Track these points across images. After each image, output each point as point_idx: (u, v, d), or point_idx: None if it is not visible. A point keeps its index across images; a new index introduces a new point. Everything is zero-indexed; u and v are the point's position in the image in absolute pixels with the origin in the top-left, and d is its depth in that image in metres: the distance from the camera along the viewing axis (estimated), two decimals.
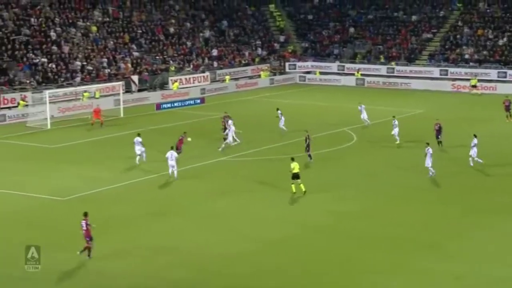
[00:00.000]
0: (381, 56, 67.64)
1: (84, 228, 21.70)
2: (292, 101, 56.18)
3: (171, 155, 31.07)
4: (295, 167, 29.00)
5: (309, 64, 69.68)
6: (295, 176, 28.93)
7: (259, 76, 66.33)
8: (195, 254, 22.66)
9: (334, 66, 68.51)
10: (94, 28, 59.73)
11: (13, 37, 52.87)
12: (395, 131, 38.46)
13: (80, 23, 59.31)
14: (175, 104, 52.64)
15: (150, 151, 34.54)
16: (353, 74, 66.45)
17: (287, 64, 69.51)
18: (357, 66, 67.38)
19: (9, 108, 47.36)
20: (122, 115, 48.39)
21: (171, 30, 65.90)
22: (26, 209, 27.13)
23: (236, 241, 23.86)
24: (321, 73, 68.03)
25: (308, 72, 69.06)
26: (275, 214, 26.84)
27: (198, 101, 55.19)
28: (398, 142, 38.33)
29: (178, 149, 32.98)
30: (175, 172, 31.08)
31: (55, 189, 29.58)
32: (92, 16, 61.07)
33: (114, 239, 23.84)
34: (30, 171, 32.95)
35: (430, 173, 31.46)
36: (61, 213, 26.68)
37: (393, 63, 66.37)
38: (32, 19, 55.95)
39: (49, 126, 44.14)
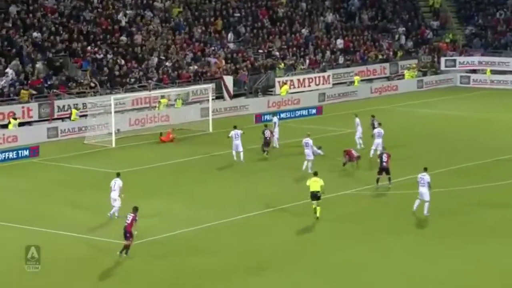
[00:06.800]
0: None
1: (128, 221, 26.68)
2: (449, 111, 55.03)
3: (115, 183, 31.62)
4: (312, 184, 30.56)
5: (475, 59, 68.17)
6: (313, 196, 30.64)
7: (402, 76, 65.54)
8: None
9: None
10: (176, 11, 61.29)
11: (71, 25, 55.03)
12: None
13: (157, 3, 61.06)
14: (282, 115, 52.81)
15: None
16: None
17: (442, 59, 68.44)
18: None
19: (62, 119, 49.05)
20: (211, 129, 49.08)
21: (280, 13, 66.51)
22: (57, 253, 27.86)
23: None
24: (493, 72, 66.40)
25: (474, 71, 67.66)
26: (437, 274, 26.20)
27: (313, 111, 55.21)
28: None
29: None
30: (116, 209, 31.65)
31: (115, 230, 30.24)
32: None
33: None
34: (87, 204, 33.98)
35: None
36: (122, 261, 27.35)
37: None
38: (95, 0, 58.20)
39: (113, 144, 45.49)
